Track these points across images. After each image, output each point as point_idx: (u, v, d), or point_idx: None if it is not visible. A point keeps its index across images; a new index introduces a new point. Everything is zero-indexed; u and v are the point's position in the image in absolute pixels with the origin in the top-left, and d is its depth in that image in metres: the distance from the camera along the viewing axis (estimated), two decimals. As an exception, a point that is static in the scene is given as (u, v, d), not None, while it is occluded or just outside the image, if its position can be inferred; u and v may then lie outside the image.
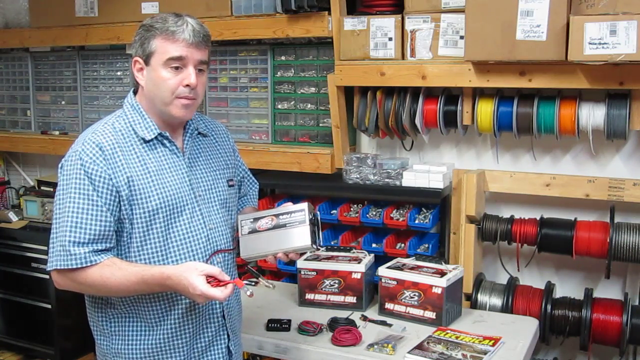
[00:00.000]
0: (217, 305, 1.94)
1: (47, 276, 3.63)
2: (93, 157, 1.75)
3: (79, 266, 1.73)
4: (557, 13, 2.41)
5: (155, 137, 1.85)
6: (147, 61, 1.79)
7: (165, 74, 1.77)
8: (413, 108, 2.89)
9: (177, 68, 1.77)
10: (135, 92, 1.91)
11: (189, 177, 1.88)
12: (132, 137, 1.83)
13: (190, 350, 1.90)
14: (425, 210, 3.02)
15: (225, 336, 1.97)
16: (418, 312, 2.47)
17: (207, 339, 1.93)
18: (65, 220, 1.74)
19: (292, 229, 1.89)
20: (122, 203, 1.77)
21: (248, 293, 1.83)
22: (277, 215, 1.92)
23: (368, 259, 2.68)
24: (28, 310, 3.73)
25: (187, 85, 1.78)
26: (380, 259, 2.77)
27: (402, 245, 2.98)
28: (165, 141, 1.87)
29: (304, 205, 1.92)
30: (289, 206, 1.96)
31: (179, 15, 1.79)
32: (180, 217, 1.84)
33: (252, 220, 1.94)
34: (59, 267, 1.75)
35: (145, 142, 1.84)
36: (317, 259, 2.69)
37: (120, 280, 1.73)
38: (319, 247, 1.95)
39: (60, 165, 1.81)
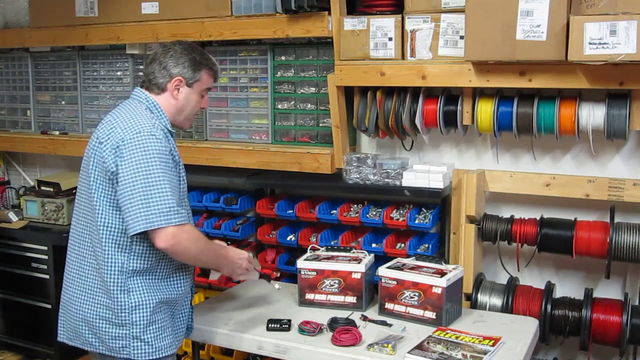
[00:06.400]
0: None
1: (47, 276, 3.64)
2: (161, 137, 2.07)
3: (185, 223, 2.05)
4: (557, 13, 2.42)
5: (170, 132, 2.21)
6: (190, 84, 2.21)
7: (197, 98, 2.26)
8: (413, 108, 2.89)
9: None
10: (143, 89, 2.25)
11: None
12: (164, 128, 2.16)
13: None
14: (425, 210, 3.02)
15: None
16: (418, 312, 2.47)
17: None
18: (163, 185, 2.01)
19: None
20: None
21: (277, 286, 2.61)
22: None
23: (368, 259, 2.68)
24: (28, 310, 3.74)
25: (202, 108, 2.32)
26: (380, 259, 2.77)
27: (402, 245, 2.99)
28: (172, 135, 2.24)
29: None
30: None
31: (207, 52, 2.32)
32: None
33: None
34: (176, 224, 2.01)
35: (169, 132, 2.20)
36: (317, 259, 2.69)
37: (205, 241, 2.17)
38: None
39: (127, 139, 2.03)
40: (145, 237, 2.07)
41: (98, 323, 2.12)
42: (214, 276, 2.50)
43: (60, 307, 2.27)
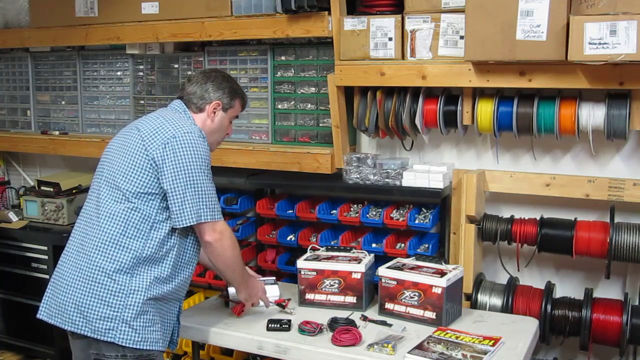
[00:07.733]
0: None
1: (47, 276, 3.63)
2: (205, 141, 2.27)
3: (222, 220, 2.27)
4: (557, 13, 2.42)
5: None
6: (225, 109, 2.42)
7: (227, 123, 2.47)
8: (413, 108, 2.89)
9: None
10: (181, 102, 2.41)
11: None
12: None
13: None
14: (425, 210, 3.02)
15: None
16: (418, 312, 2.47)
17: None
18: (210, 184, 2.22)
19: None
20: None
21: (292, 312, 2.59)
22: None
23: (368, 259, 2.68)
24: (28, 310, 3.73)
25: (227, 134, 2.52)
26: (380, 259, 2.77)
27: (402, 245, 2.98)
28: None
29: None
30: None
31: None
32: None
33: None
34: (220, 220, 2.24)
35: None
36: (317, 259, 2.69)
37: (239, 251, 2.36)
38: None
39: (179, 136, 2.18)
40: (163, 226, 2.19)
41: (90, 301, 2.13)
42: (232, 290, 2.59)
43: (49, 284, 2.28)
